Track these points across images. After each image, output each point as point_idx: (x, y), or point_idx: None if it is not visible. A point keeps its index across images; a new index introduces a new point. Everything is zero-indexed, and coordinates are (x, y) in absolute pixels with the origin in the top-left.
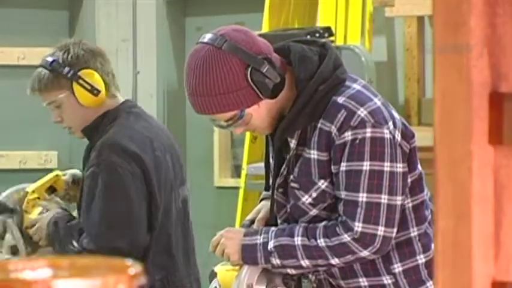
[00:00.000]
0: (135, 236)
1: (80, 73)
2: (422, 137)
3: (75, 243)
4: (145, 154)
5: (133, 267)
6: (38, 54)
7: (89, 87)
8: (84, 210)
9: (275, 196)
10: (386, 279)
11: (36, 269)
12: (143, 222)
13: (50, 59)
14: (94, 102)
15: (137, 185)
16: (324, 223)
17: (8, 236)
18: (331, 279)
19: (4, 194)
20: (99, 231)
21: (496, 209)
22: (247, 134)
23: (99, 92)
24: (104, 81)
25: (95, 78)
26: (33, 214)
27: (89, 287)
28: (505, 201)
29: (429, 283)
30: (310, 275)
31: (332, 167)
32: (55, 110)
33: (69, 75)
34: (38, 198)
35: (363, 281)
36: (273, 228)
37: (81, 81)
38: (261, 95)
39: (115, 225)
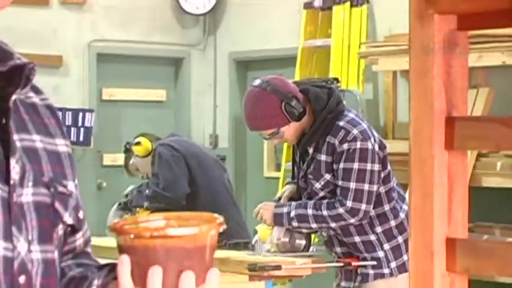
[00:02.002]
0: (178, 187)
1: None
2: (396, 146)
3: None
4: (183, 147)
5: (219, 218)
6: (154, 94)
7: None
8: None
9: (299, 183)
10: (372, 237)
11: (155, 220)
12: (183, 180)
13: None
14: (142, 151)
15: (175, 160)
16: (326, 200)
17: None
18: (338, 236)
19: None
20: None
21: (449, 191)
22: (285, 144)
23: (139, 143)
24: (148, 139)
25: (138, 138)
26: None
27: (191, 232)
28: (455, 186)
29: (399, 237)
30: (323, 233)
31: (334, 166)
32: (136, 173)
33: (127, 146)
34: None
35: (357, 238)
36: (293, 202)
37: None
38: (290, 120)
39: (165, 182)
